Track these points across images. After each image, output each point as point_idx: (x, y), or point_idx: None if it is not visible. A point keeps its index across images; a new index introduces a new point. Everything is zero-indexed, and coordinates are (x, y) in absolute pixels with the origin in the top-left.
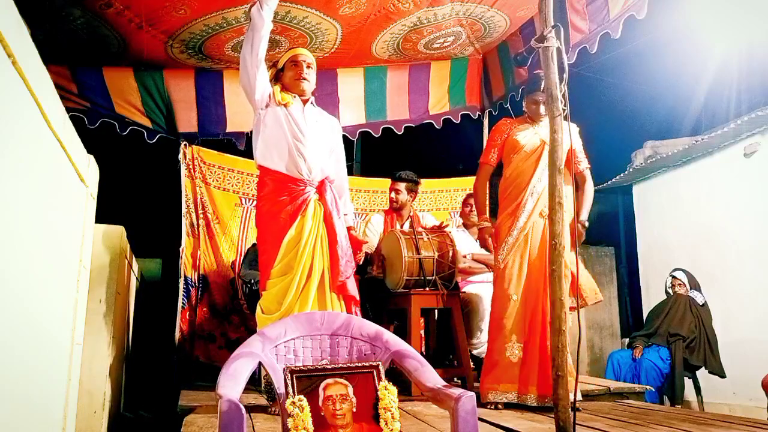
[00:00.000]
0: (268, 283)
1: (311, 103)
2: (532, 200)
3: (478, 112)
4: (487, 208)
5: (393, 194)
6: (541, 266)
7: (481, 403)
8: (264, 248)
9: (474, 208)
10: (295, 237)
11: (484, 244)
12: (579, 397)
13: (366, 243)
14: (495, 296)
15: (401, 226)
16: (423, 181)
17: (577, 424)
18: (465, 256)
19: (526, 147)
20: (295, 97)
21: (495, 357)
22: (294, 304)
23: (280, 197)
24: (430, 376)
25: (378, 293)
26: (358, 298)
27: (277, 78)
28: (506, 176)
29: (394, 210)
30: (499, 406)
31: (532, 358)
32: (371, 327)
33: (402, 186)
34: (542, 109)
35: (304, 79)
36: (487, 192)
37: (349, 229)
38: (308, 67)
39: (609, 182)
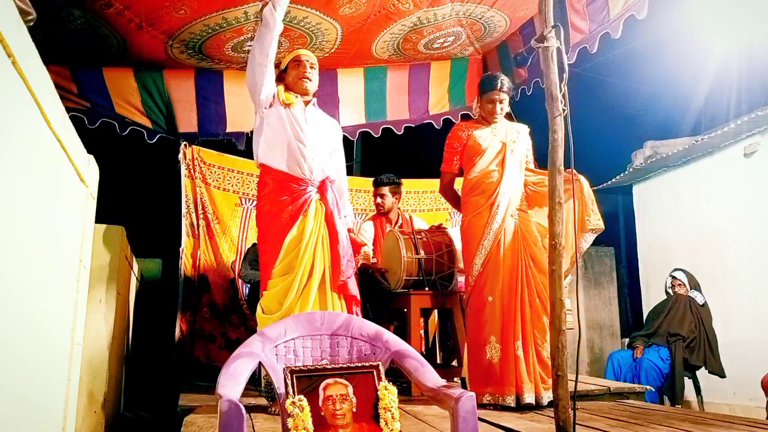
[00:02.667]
0: (269, 282)
1: (313, 104)
2: (504, 202)
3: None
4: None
5: (378, 199)
6: (515, 266)
7: None
8: (265, 248)
9: None
10: (297, 237)
11: None
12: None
13: (365, 245)
14: (472, 297)
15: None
16: (423, 181)
17: (577, 424)
18: None
19: (489, 150)
20: (297, 97)
21: (475, 359)
22: (295, 304)
23: (281, 197)
24: (430, 376)
25: (378, 293)
26: (358, 297)
27: (280, 78)
28: (471, 178)
29: (382, 214)
30: (488, 407)
31: (510, 358)
32: (371, 327)
33: (386, 190)
34: (498, 108)
35: (307, 78)
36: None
37: (348, 231)
38: (311, 67)
39: (609, 182)
